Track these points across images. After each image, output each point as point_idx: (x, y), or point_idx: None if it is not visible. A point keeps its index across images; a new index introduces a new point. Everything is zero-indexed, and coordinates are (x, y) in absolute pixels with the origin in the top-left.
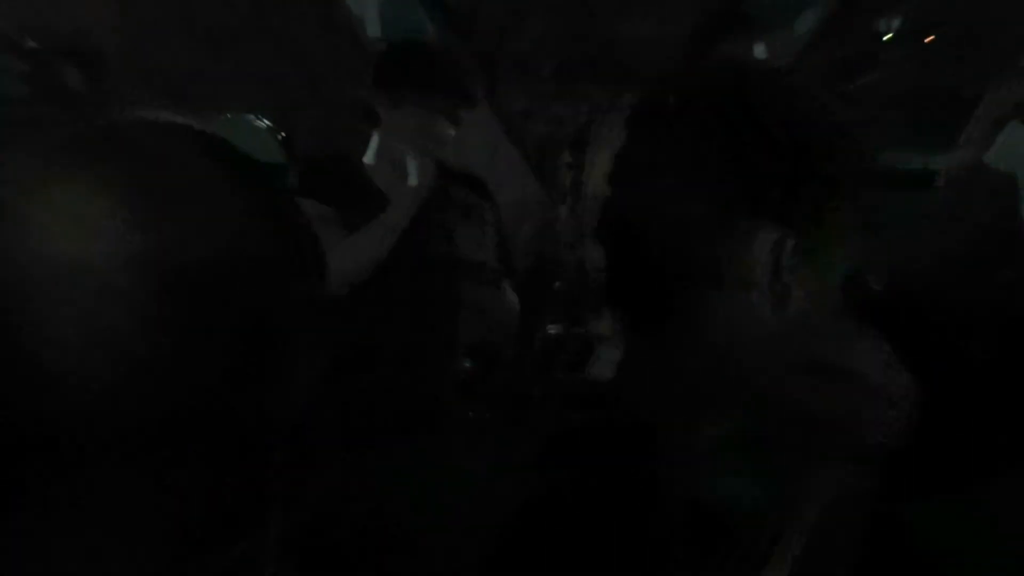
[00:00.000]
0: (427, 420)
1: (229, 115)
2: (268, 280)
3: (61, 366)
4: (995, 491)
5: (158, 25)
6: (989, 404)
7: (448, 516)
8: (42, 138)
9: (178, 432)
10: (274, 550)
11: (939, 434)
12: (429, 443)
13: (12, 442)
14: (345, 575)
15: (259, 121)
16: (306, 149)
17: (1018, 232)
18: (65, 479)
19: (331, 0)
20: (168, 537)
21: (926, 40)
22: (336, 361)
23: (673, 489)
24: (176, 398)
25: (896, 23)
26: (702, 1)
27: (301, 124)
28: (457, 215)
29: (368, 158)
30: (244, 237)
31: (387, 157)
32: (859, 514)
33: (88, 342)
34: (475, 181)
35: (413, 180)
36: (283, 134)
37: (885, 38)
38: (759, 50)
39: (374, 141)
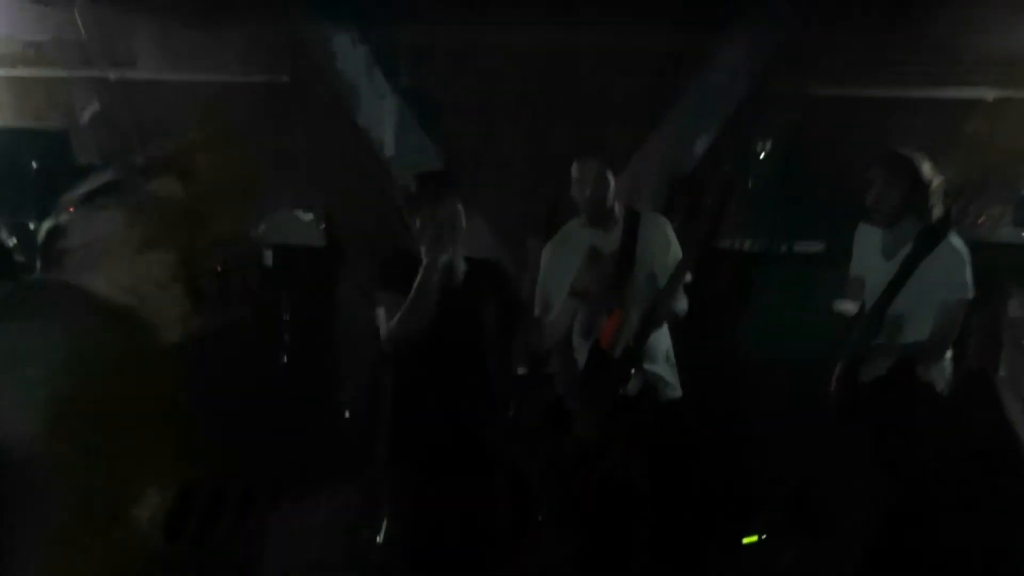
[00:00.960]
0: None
1: (283, 211)
2: None
3: None
4: None
5: (231, 147)
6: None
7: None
8: None
9: None
10: None
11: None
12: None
13: None
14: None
15: (305, 215)
16: (339, 235)
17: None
18: None
19: (357, 129)
20: None
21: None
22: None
23: None
24: None
25: (769, 144)
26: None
27: (341, 219)
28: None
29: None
30: None
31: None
32: None
33: None
34: (482, 263)
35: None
36: (323, 224)
37: (761, 155)
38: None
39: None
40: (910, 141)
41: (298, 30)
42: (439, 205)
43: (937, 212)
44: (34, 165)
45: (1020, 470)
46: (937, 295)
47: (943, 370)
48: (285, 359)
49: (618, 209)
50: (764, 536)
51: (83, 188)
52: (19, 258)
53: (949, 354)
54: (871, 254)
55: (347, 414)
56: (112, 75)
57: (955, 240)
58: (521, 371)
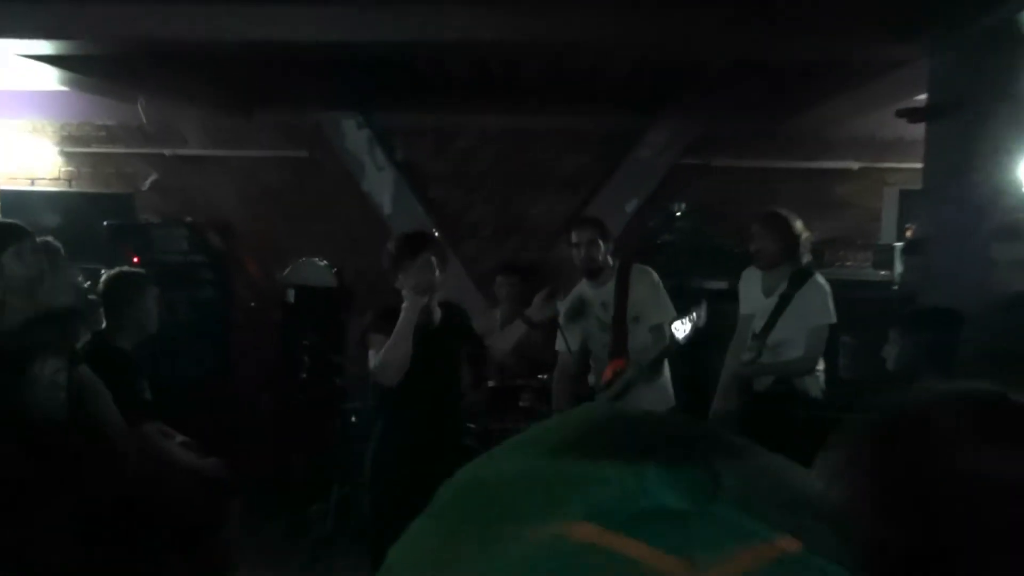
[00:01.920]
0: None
1: (303, 259)
2: None
3: None
4: None
5: (262, 208)
6: None
7: None
8: None
9: None
10: None
11: None
12: None
13: None
14: None
15: (321, 262)
16: (347, 278)
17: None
18: None
19: (362, 194)
20: None
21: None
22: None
23: None
24: None
25: (683, 206)
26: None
27: (350, 266)
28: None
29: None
30: None
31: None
32: None
33: None
34: (452, 307)
35: (409, 300)
36: (335, 269)
37: (678, 213)
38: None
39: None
40: (791, 203)
41: (315, 117)
42: (416, 260)
43: (806, 258)
44: (104, 223)
45: None
46: (808, 322)
47: (816, 380)
48: (304, 375)
49: (611, 262)
50: None
51: None
52: (91, 296)
53: (822, 366)
54: (754, 292)
55: (353, 419)
56: (167, 152)
57: (819, 279)
58: (492, 384)
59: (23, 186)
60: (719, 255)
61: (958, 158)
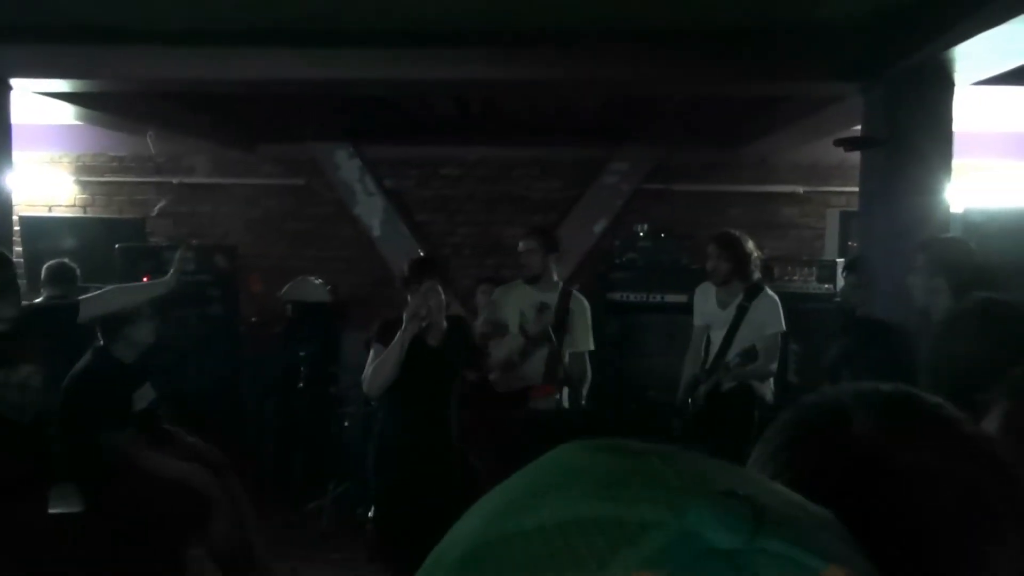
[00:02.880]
0: None
1: (301, 277)
2: None
3: None
4: None
5: (264, 231)
6: None
7: None
8: None
9: None
10: None
11: None
12: None
13: None
14: None
15: (317, 279)
16: (340, 294)
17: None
18: None
19: (354, 218)
20: None
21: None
22: None
23: None
24: None
25: (646, 227)
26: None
27: (343, 283)
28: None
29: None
30: None
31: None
32: None
33: None
34: (456, 319)
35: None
36: (330, 286)
37: (640, 233)
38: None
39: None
40: (743, 223)
41: (311, 148)
42: (420, 285)
43: (756, 275)
44: (116, 246)
45: None
46: (763, 331)
47: (769, 384)
48: (301, 384)
49: (556, 278)
50: None
51: None
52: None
53: (773, 367)
54: (709, 305)
55: (346, 423)
56: (175, 180)
57: (770, 292)
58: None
59: (42, 212)
60: (677, 271)
61: (889, 184)
